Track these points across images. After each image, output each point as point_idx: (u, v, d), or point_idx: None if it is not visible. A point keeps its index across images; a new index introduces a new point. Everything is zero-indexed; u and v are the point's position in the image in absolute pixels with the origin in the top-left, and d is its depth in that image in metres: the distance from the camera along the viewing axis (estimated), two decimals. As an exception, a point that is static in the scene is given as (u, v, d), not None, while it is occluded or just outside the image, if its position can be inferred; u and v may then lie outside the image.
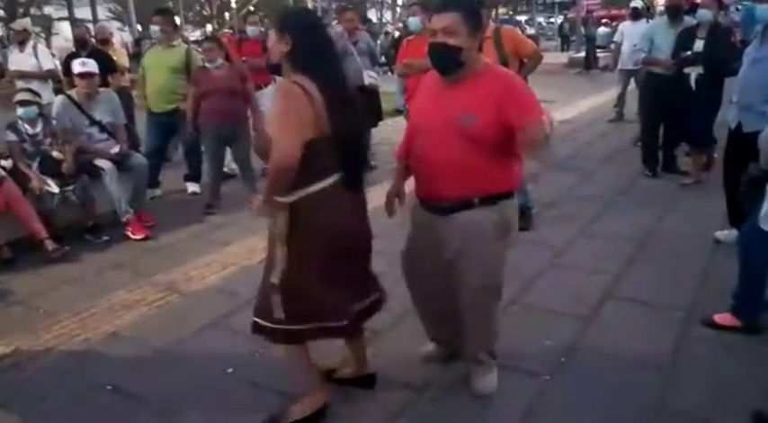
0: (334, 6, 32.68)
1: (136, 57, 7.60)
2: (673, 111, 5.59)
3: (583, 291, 3.57)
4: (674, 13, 5.71)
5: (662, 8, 6.70)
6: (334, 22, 7.45)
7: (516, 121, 2.10)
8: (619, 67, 8.45)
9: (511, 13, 35.14)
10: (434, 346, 2.84)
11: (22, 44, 7.18)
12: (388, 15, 35.55)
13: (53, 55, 12.76)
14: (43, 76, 6.87)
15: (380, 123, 6.77)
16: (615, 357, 2.88)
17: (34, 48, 7.12)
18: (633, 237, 4.38)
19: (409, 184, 2.53)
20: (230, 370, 2.90)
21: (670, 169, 5.98)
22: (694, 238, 4.24)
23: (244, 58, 6.42)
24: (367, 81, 6.15)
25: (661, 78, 5.58)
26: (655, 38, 5.71)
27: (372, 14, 39.73)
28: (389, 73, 10.80)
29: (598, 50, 16.74)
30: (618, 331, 3.12)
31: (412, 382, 2.73)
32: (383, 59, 13.07)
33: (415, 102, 2.51)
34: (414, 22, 5.20)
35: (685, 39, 5.33)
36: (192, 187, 6.15)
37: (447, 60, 2.20)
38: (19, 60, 7.07)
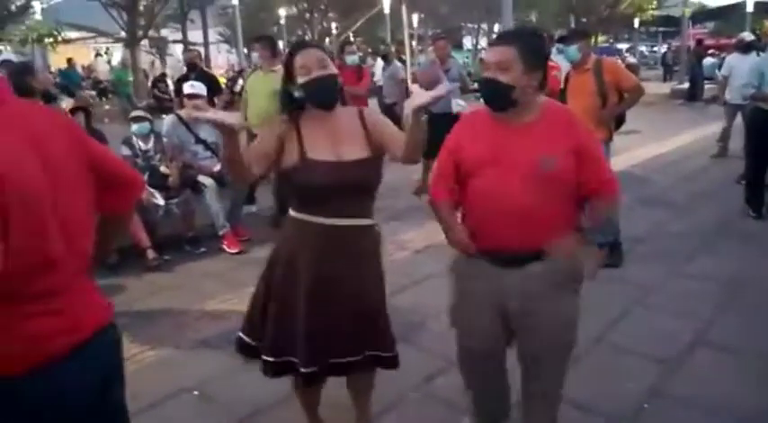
0: (430, 33, 33.09)
1: (232, 79, 7.94)
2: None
3: (670, 334, 3.43)
4: (786, 46, 5.43)
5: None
6: (430, 49, 7.56)
7: (593, 185, 2.07)
8: (726, 100, 8.07)
9: (612, 41, 34.13)
10: None
11: None
12: (483, 42, 35.49)
13: (165, 74, 13.77)
14: None
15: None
16: (702, 406, 2.75)
17: None
18: (728, 280, 4.16)
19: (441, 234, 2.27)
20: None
21: (776, 210, 5.63)
22: (797, 286, 3.98)
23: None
24: (455, 109, 6.26)
25: (769, 114, 5.31)
26: (765, 72, 5.44)
27: (468, 41, 39.87)
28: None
29: (705, 82, 16.00)
30: (706, 379, 2.98)
31: None
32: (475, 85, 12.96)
33: (467, 144, 2.17)
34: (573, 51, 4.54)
35: (798, 74, 5.06)
36: None
37: (497, 98, 2.05)
38: None
